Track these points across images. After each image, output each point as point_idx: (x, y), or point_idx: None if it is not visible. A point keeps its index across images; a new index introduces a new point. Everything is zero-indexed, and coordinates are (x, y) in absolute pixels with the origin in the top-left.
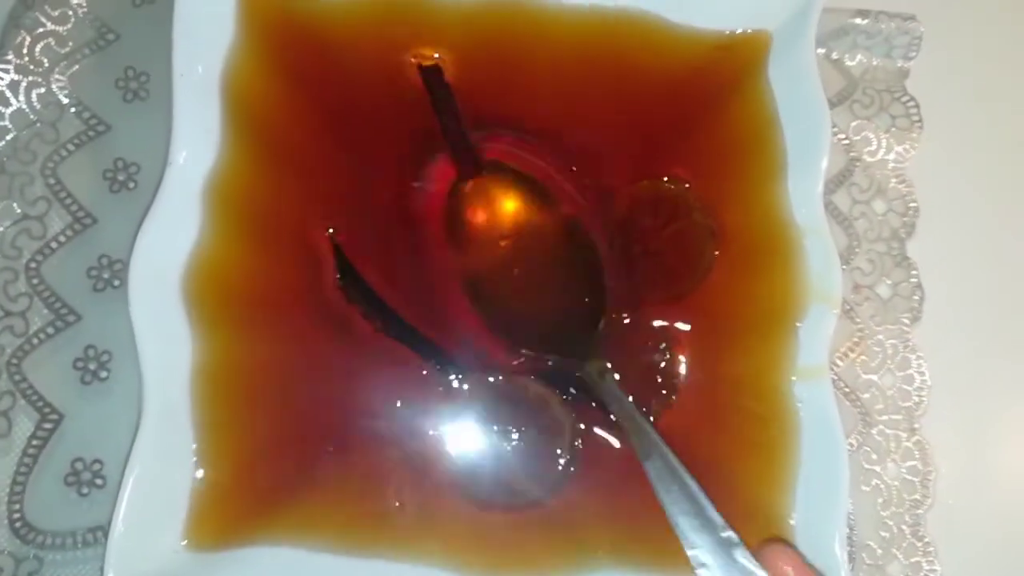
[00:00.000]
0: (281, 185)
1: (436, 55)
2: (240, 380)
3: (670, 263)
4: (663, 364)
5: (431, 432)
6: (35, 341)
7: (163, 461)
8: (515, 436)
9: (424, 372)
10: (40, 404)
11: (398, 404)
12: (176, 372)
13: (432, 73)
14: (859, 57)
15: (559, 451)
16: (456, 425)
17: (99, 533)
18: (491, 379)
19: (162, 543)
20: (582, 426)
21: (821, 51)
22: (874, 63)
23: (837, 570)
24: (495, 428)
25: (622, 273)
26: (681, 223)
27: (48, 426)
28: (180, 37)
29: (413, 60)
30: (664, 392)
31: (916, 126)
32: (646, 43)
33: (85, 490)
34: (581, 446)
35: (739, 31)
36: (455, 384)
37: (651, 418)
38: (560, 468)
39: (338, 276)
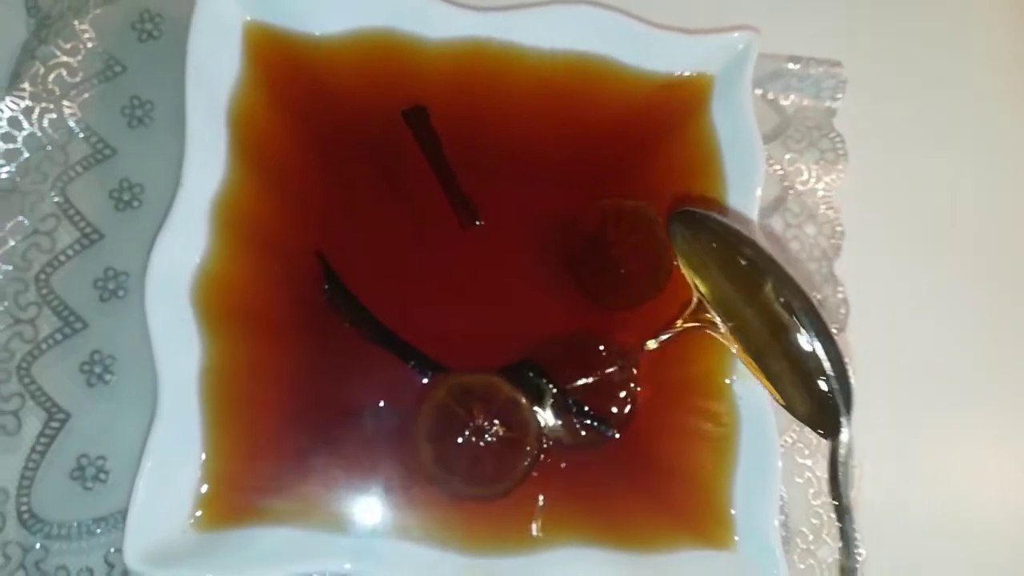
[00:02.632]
0: (278, 205)
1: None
2: (242, 379)
3: (633, 271)
4: (625, 372)
5: (411, 427)
6: (44, 346)
7: (173, 452)
8: (487, 433)
9: (405, 374)
10: (48, 404)
11: (382, 403)
12: (186, 372)
13: (417, 118)
14: (792, 97)
15: (528, 447)
16: (433, 421)
17: (102, 524)
18: (466, 380)
19: (172, 524)
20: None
21: (758, 92)
22: (805, 103)
23: (772, 552)
24: (469, 425)
25: (588, 283)
26: (642, 235)
27: (55, 425)
28: (192, 72)
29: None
30: (628, 400)
31: (842, 159)
32: (605, 81)
33: (90, 484)
34: (546, 444)
35: (686, 73)
36: (433, 384)
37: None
38: (527, 463)
39: (326, 288)
